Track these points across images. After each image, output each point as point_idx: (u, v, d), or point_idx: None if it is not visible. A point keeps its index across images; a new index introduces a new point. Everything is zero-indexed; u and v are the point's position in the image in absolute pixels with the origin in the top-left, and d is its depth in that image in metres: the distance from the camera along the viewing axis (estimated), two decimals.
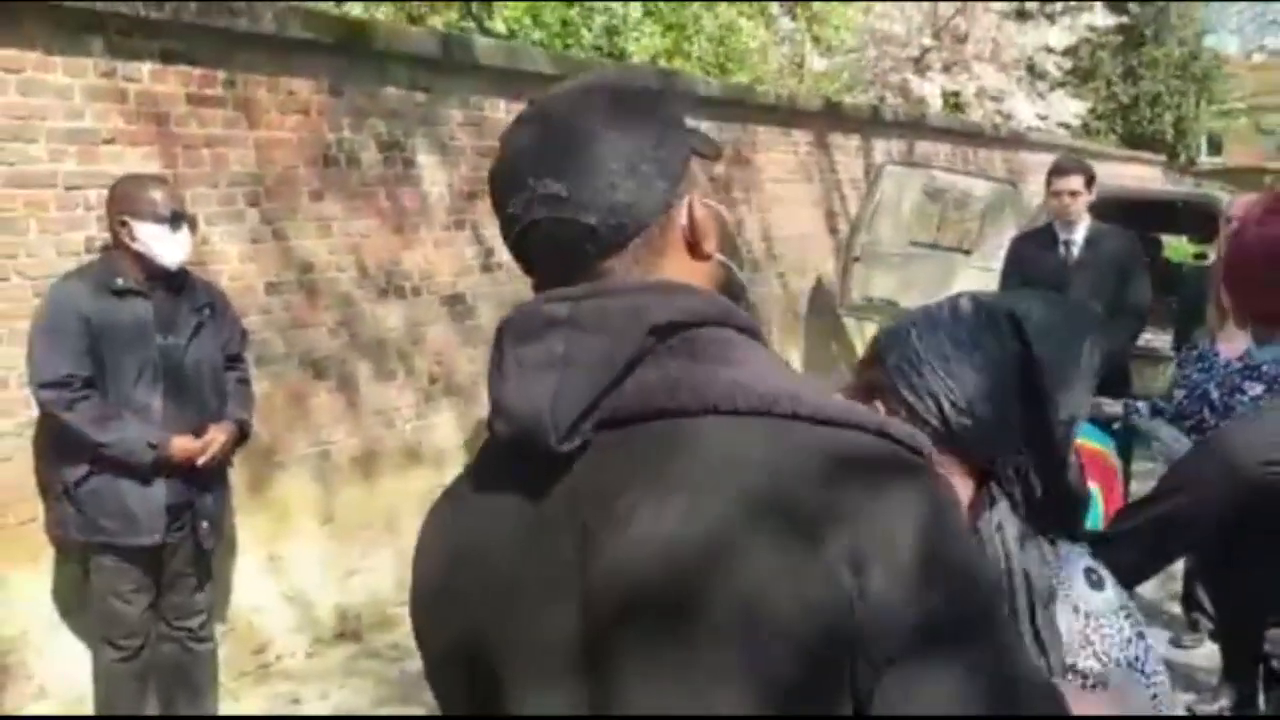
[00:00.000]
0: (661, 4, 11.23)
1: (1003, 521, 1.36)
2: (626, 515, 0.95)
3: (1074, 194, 5.21)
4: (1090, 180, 5.27)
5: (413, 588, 1.12)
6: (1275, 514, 1.75)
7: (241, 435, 3.82)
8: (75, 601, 3.91)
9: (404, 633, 5.14)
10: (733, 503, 0.92)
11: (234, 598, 4.51)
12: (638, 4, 10.73)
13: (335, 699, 4.49)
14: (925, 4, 15.79)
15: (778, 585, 0.89)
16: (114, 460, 3.48)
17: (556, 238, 1.04)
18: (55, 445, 3.58)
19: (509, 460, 1.02)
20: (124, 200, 3.54)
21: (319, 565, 4.94)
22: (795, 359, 9.07)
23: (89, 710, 3.95)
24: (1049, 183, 5.36)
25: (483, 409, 5.22)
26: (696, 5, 11.72)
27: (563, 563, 0.98)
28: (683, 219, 1.07)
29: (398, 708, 4.44)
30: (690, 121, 1.13)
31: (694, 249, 1.07)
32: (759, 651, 0.89)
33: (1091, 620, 1.38)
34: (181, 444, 3.57)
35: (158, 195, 3.54)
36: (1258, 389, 3.39)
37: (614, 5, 10.35)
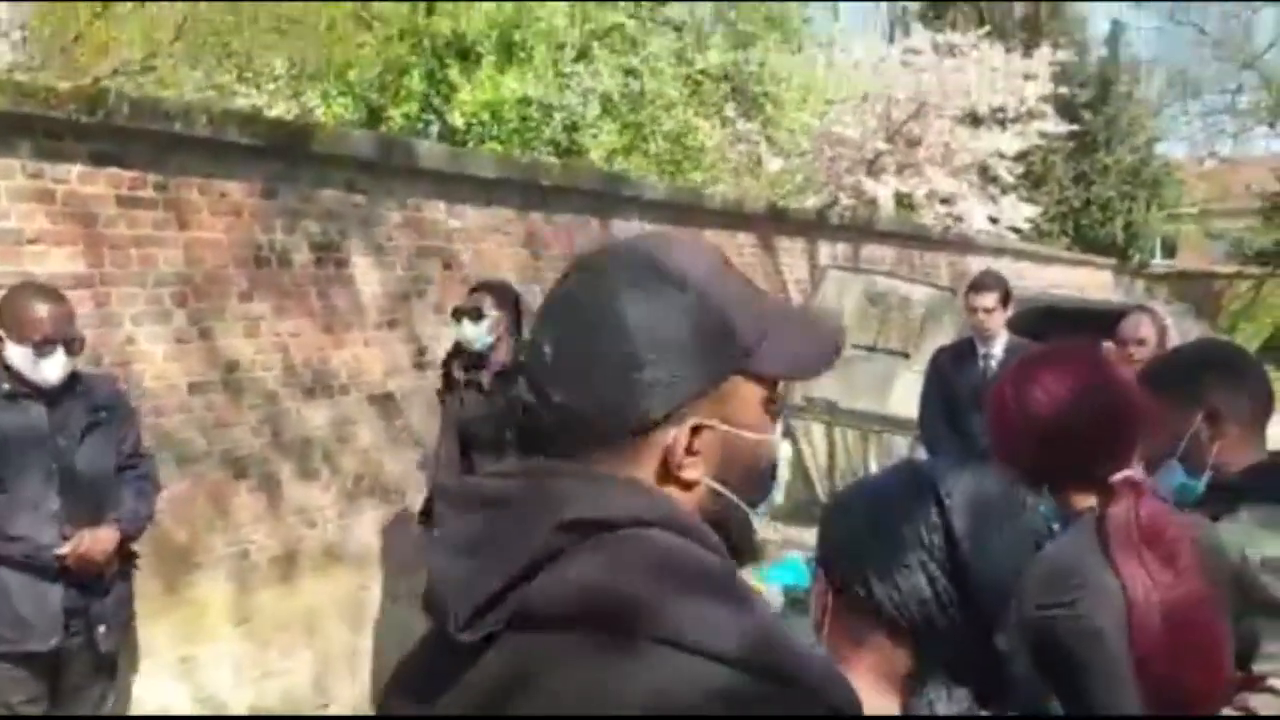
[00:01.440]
0: (620, 103, 11.46)
1: (933, 699, 1.35)
2: None
3: (988, 310, 5.35)
4: (1006, 296, 5.40)
5: None
6: (1058, 661, 1.75)
7: (128, 534, 3.74)
8: None
9: None
10: None
11: (142, 702, 4.44)
12: (596, 103, 10.94)
13: None
14: (879, 109, 16.18)
15: None
16: (13, 561, 3.44)
17: (533, 399, 0.99)
18: None
19: (436, 634, 0.98)
20: (2, 316, 3.50)
21: (233, 668, 4.87)
22: None
23: None
24: (967, 298, 5.49)
25: (410, 508, 5.19)
26: (653, 106, 11.96)
27: None
28: (666, 441, 0.99)
29: None
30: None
31: (670, 475, 0.99)
32: None
33: None
34: (99, 535, 3.54)
35: (36, 317, 3.48)
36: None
37: (572, 103, 10.55)
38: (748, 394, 1.02)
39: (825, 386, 8.76)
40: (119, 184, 4.44)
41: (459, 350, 4.52)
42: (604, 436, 0.98)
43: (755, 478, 1.06)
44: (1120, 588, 1.73)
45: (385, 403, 5.74)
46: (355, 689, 5.41)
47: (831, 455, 10.58)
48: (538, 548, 0.91)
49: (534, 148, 9.81)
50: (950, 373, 5.63)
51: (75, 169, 4.28)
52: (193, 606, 4.65)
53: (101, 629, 3.63)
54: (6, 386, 3.48)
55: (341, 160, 5.43)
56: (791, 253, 10.08)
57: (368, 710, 5.32)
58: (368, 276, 5.64)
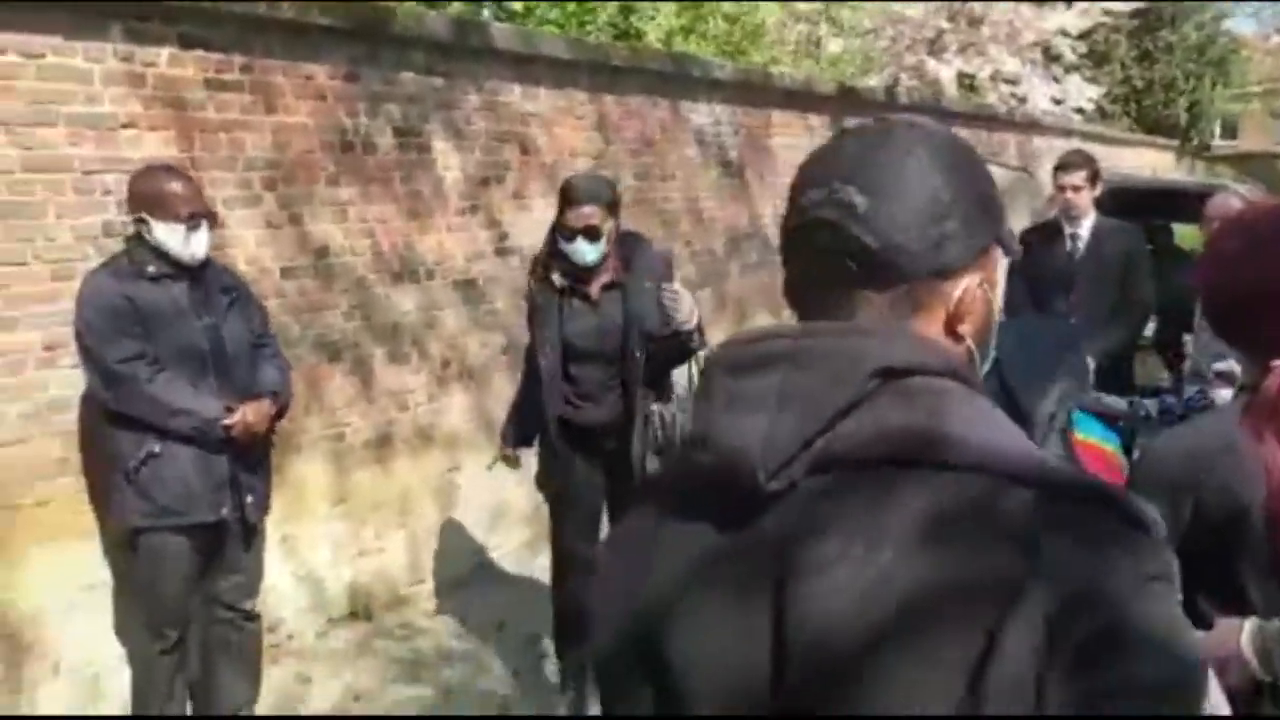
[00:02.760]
0: None
1: None
2: (826, 564, 0.93)
3: (1076, 189, 5.26)
4: (1095, 176, 5.30)
5: (598, 607, 1.11)
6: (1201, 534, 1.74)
7: (281, 409, 3.85)
8: (97, 582, 3.98)
9: (415, 613, 5.20)
10: (935, 562, 0.90)
11: None
12: None
13: (345, 678, 4.55)
14: None
15: (971, 646, 0.87)
16: (183, 435, 3.52)
17: (831, 246, 1.03)
18: (112, 429, 3.58)
19: (707, 492, 1.00)
20: (142, 198, 3.55)
21: (331, 546, 4.99)
22: None
23: (102, 687, 4.02)
24: (1055, 177, 5.41)
25: (494, 394, 5.23)
26: None
27: (755, 602, 0.96)
28: (956, 293, 1.04)
29: (406, 687, 4.49)
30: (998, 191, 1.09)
31: (950, 325, 1.05)
32: (949, 709, 0.87)
33: None
34: (259, 407, 3.66)
35: (177, 193, 3.54)
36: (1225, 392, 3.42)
37: None
38: (999, 261, 1.10)
39: None
40: (206, 67, 4.41)
41: (558, 254, 3.95)
42: (906, 284, 1.03)
43: (989, 343, 1.11)
44: (1263, 466, 1.71)
45: (468, 288, 5.75)
46: (445, 567, 5.52)
47: None
48: (850, 397, 0.95)
49: (590, 31, 9.62)
50: (1036, 253, 5.52)
51: (164, 52, 4.25)
52: (293, 487, 4.74)
53: (250, 500, 3.72)
54: (152, 269, 3.51)
55: (420, 41, 5.36)
56: None
57: (453, 587, 5.44)
58: (448, 161, 5.61)
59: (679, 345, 3.80)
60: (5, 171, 3.75)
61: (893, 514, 0.92)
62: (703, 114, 7.70)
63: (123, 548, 3.77)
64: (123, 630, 4.05)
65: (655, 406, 3.96)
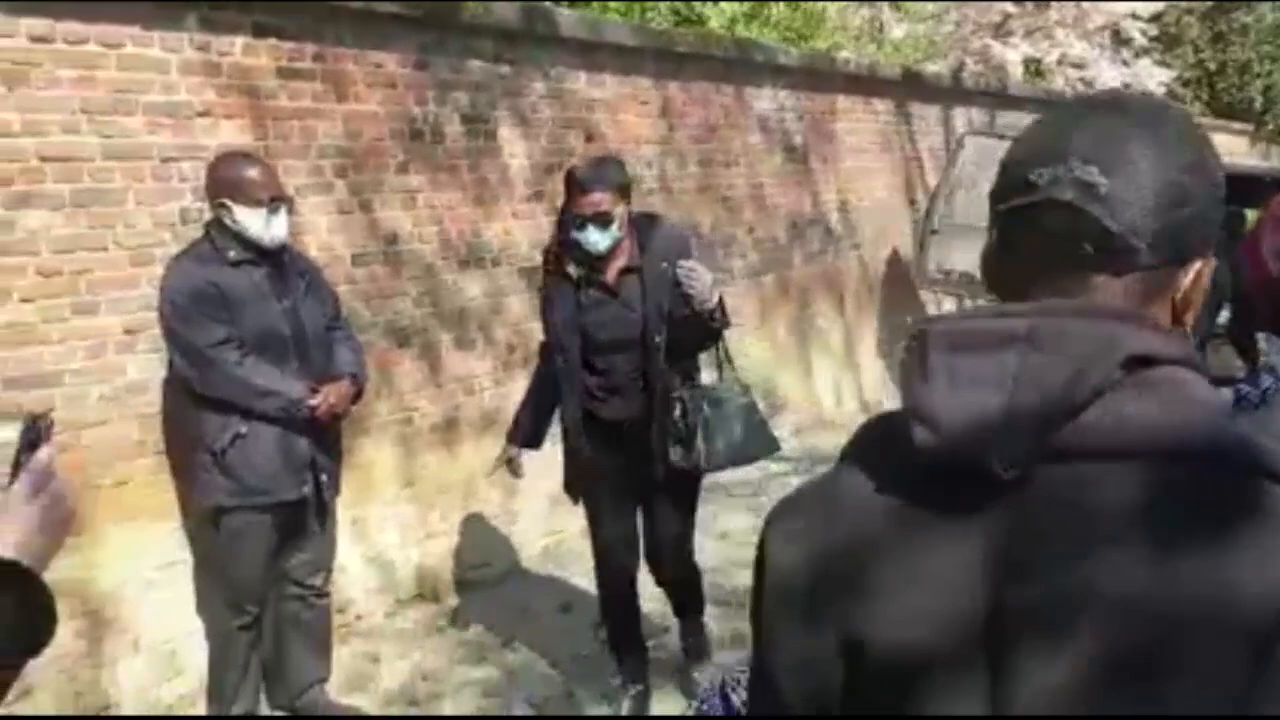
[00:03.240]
0: None
1: None
2: (1068, 563, 0.89)
3: None
4: None
5: (772, 580, 1.05)
6: None
7: (358, 390, 3.93)
8: (174, 560, 4.08)
9: (480, 595, 5.26)
10: (1199, 566, 0.85)
11: None
12: None
13: (414, 658, 4.62)
14: None
15: (1241, 660, 0.83)
16: (269, 416, 3.61)
17: (1067, 227, 0.98)
18: (199, 411, 3.67)
19: (921, 471, 0.96)
20: (222, 183, 3.63)
21: (399, 528, 5.07)
22: (869, 333, 9.04)
23: (178, 663, 4.12)
24: None
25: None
26: None
27: (969, 591, 0.92)
28: (1187, 279, 1.01)
29: (472, 668, 4.55)
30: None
31: (1177, 314, 1.02)
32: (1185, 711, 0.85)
33: None
34: (340, 388, 3.76)
35: (256, 178, 3.62)
36: None
37: None
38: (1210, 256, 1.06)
39: (963, 259, 8.58)
40: (279, 55, 4.48)
41: (570, 244, 3.75)
42: (1142, 270, 0.98)
43: (1197, 334, 1.09)
44: None
45: (533, 275, 5.78)
46: (510, 550, 5.58)
47: None
48: (1095, 384, 0.91)
49: (653, 17, 9.62)
50: None
51: (239, 41, 4.32)
52: (362, 470, 4.81)
53: (324, 479, 3.81)
54: (233, 254, 3.59)
55: (488, 30, 5.40)
56: (925, 119, 9.80)
57: (518, 570, 5.49)
58: (514, 149, 5.65)
59: (703, 326, 3.66)
60: (86, 159, 3.84)
61: (1142, 512, 0.87)
62: (766, 100, 7.67)
63: (206, 526, 3.87)
64: (202, 606, 4.14)
65: (679, 393, 3.77)
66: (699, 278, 3.56)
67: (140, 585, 4.02)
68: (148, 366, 3.99)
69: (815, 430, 8.13)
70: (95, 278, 3.87)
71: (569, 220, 3.76)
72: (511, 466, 4.16)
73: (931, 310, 9.87)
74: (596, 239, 3.67)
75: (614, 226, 3.67)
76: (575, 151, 6.02)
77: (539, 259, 5.77)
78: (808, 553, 1.02)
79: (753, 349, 7.51)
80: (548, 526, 5.81)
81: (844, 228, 8.59)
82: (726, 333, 3.88)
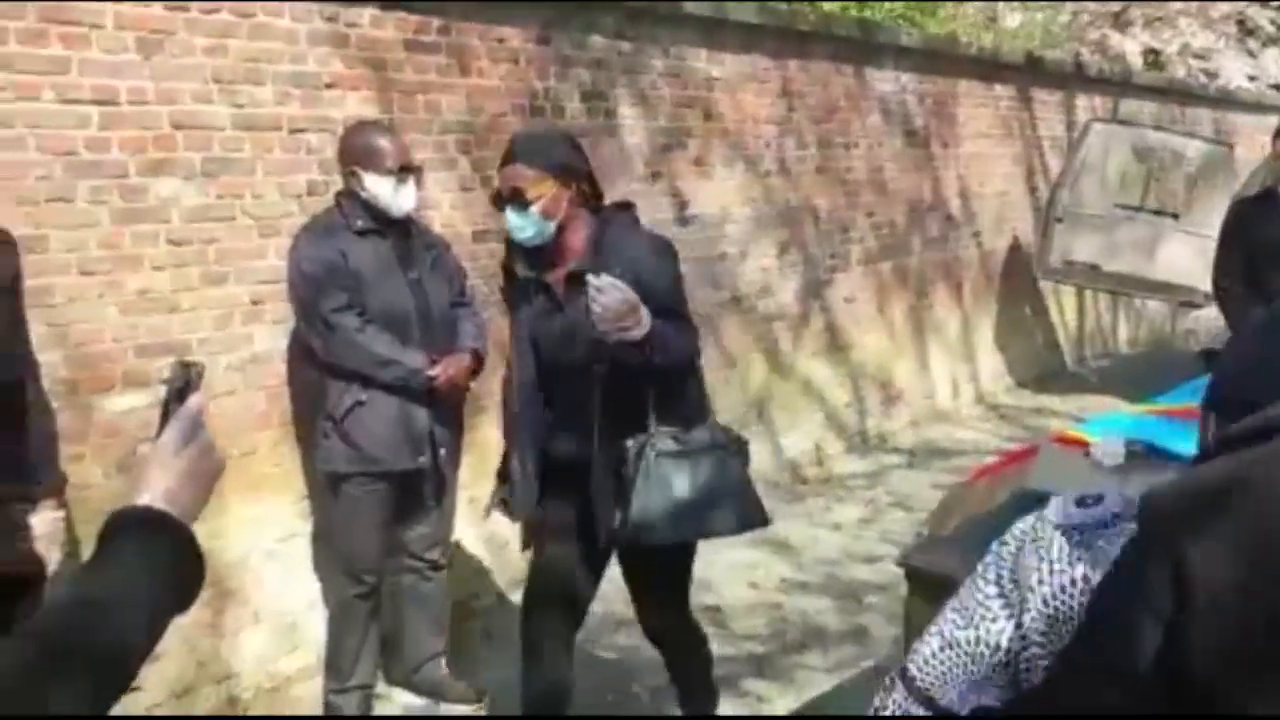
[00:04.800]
0: None
1: None
2: None
3: None
4: None
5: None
6: None
7: (477, 364, 3.88)
8: (295, 532, 4.08)
9: None
10: None
11: None
12: None
13: None
14: None
15: None
16: (388, 385, 3.59)
17: None
18: (322, 378, 3.68)
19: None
20: (353, 151, 3.62)
21: None
22: (987, 324, 8.79)
23: (298, 635, 4.12)
24: (1275, 144, 5.09)
25: None
26: None
27: None
28: None
29: (586, 648, 4.46)
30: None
31: None
32: None
33: None
34: (460, 360, 3.71)
35: (386, 146, 3.61)
36: None
37: None
38: None
39: (1087, 249, 8.32)
40: (405, 28, 4.45)
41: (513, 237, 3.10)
42: None
43: None
44: None
45: None
46: None
47: (1081, 321, 10.12)
48: None
49: None
50: (1253, 224, 5.18)
51: (367, 12, 4.29)
52: (479, 449, 4.75)
53: (443, 452, 3.77)
54: (361, 223, 3.57)
55: (611, 5, 5.32)
56: (1047, 106, 9.49)
57: None
58: (633, 127, 5.56)
59: (640, 361, 2.83)
60: (217, 128, 3.84)
61: None
62: (888, 81, 7.49)
63: (325, 494, 3.86)
64: (321, 576, 4.13)
65: (629, 442, 2.96)
66: (606, 296, 2.72)
67: (262, 556, 4.02)
68: (273, 337, 3.98)
69: (930, 423, 7.94)
70: (223, 247, 3.87)
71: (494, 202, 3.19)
72: (506, 508, 3.35)
73: (1050, 302, 9.58)
74: (515, 224, 3.00)
75: (534, 211, 2.96)
76: (693, 131, 5.92)
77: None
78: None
79: (868, 338, 7.34)
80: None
81: (963, 215, 8.35)
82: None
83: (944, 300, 8.20)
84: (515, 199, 2.98)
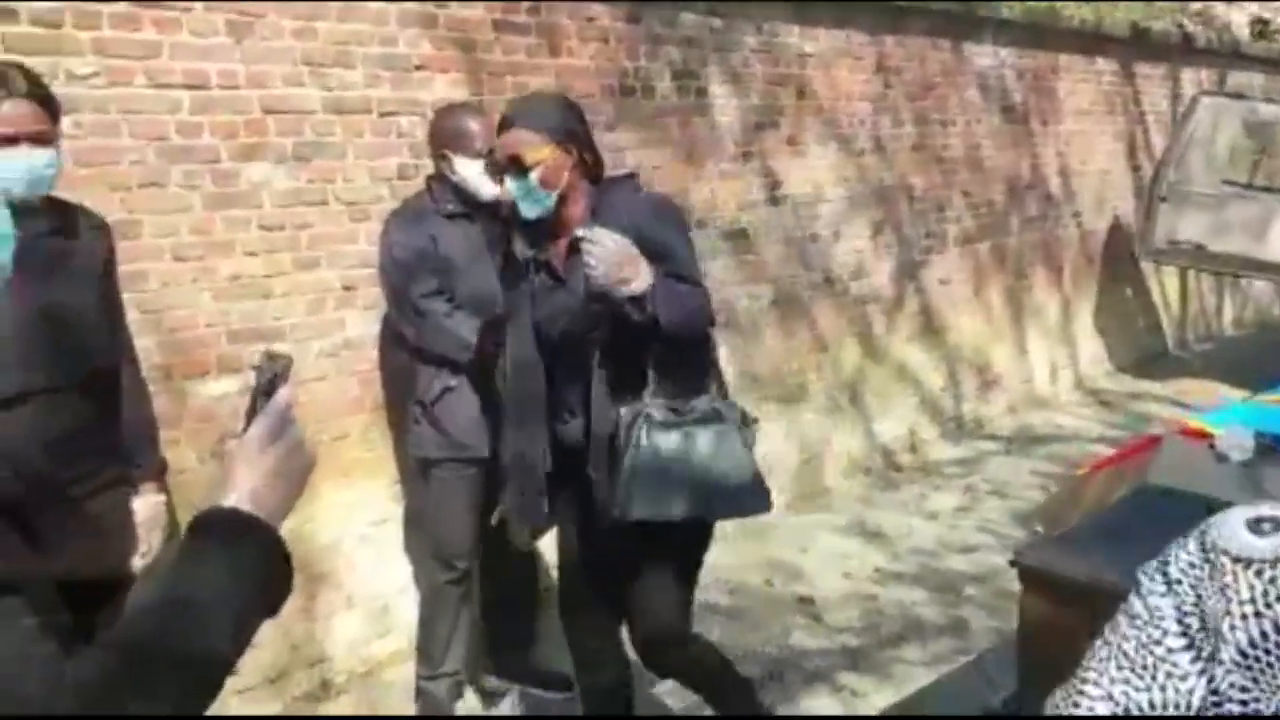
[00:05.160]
0: None
1: None
2: None
3: None
4: None
5: None
6: None
7: None
8: (387, 516, 4.07)
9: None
10: None
11: None
12: None
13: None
14: None
15: None
16: (472, 370, 3.53)
17: None
18: (412, 363, 3.65)
19: None
20: (443, 134, 3.57)
21: None
22: (1087, 307, 8.52)
23: (390, 619, 4.11)
24: None
25: (762, 349, 5.02)
26: None
27: None
28: None
29: None
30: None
31: None
32: None
33: None
34: None
35: (476, 129, 3.54)
36: None
37: None
38: None
39: (1194, 228, 8.00)
40: (494, 8, 4.39)
41: (515, 212, 2.89)
42: None
43: None
44: None
45: (738, 238, 5.59)
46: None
47: (1184, 303, 9.78)
48: None
49: None
50: None
51: None
52: None
53: None
54: (451, 206, 3.53)
55: None
56: (1151, 80, 9.16)
57: (717, 542, 5.32)
58: (724, 106, 5.45)
59: (644, 320, 2.60)
60: (308, 112, 3.82)
61: None
62: (986, 56, 7.26)
63: (416, 479, 3.83)
64: (413, 561, 4.12)
65: (623, 411, 2.76)
66: (599, 246, 2.55)
67: (354, 541, 4.02)
68: (365, 323, 3.96)
69: (1028, 408, 7.72)
70: (315, 232, 3.86)
71: (489, 172, 3.01)
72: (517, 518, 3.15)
73: (1152, 284, 9.27)
74: (516, 193, 2.79)
75: (533, 179, 2.74)
76: (786, 109, 5.79)
77: (744, 221, 5.62)
78: None
79: (964, 321, 7.15)
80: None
81: (1063, 194, 8.09)
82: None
83: (1042, 282, 7.96)
84: (513, 166, 2.76)
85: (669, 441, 2.72)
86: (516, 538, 3.27)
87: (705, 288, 2.85)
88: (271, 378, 1.29)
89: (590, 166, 2.86)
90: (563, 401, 2.90)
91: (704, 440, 2.76)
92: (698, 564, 3.04)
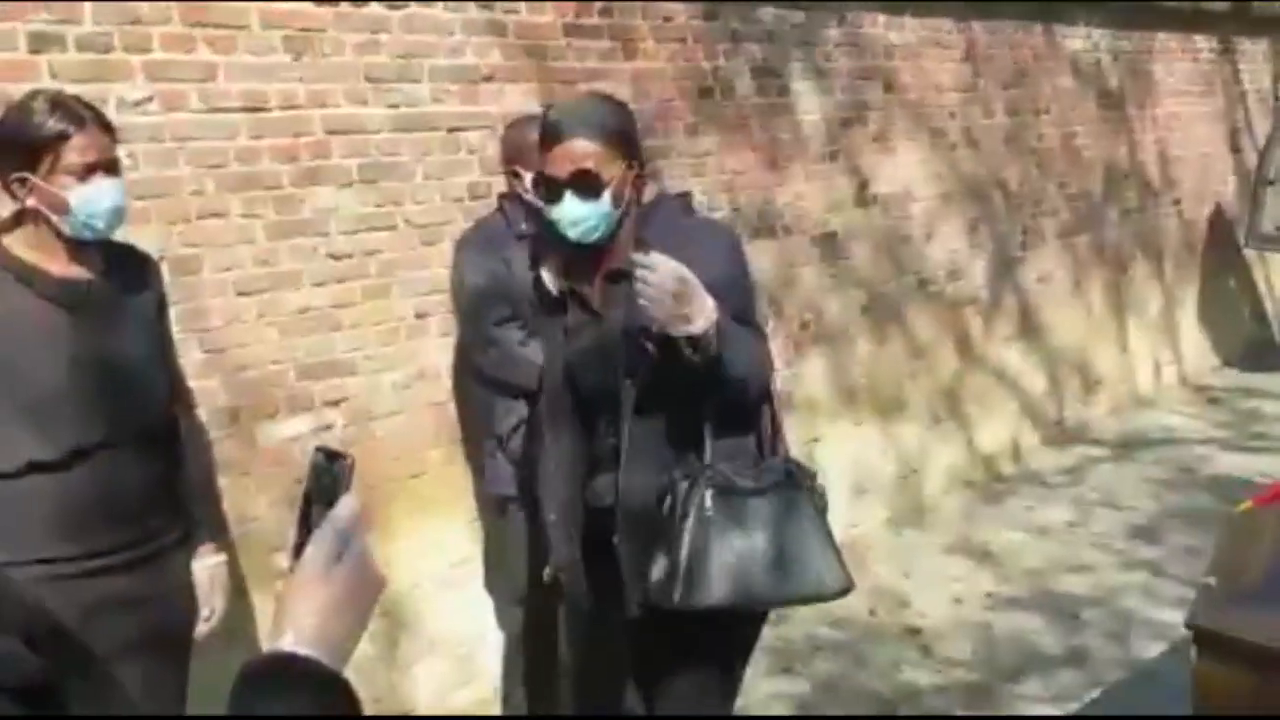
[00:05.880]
0: None
1: None
2: None
3: None
4: None
5: None
6: None
7: None
8: (467, 557, 3.85)
9: None
10: None
11: None
12: None
13: None
14: None
15: None
16: None
17: None
18: (487, 395, 3.43)
19: None
20: (514, 148, 3.34)
21: None
22: (1189, 298, 8.08)
23: (474, 666, 3.88)
24: None
25: (856, 359, 4.71)
26: None
27: None
28: None
29: (780, 680, 4.11)
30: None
31: None
32: None
33: None
34: None
35: None
36: None
37: None
38: None
39: None
40: (565, 12, 4.14)
41: (543, 235, 2.55)
42: None
43: None
44: None
45: (827, 242, 5.29)
46: None
47: None
48: None
49: None
50: None
51: None
52: None
53: None
54: (524, 226, 3.28)
55: None
56: (1253, 58, 8.68)
57: None
58: (808, 104, 5.16)
59: (702, 365, 2.19)
60: (373, 131, 3.60)
61: None
62: (1080, 40, 6.88)
63: (494, 518, 3.60)
64: (496, 604, 3.89)
65: (677, 473, 2.33)
66: (657, 274, 2.13)
67: (435, 583, 3.79)
68: (439, 351, 3.74)
69: (1133, 410, 7.32)
70: (385, 259, 3.63)
71: (541, 190, 2.47)
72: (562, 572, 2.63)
73: (1258, 273, 8.79)
74: (581, 215, 2.33)
75: (605, 198, 2.32)
76: (873, 104, 5.48)
77: (833, 224, 5.31)
78: None
79: (1064, 320, 6.77)
80: (845, 518, 5.33)
81: (1162, 181, 7.67)
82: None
83: (1144, 275, 7.55)
84: (582, 184, 2.30)
85: (738, 512, 2.31)
86: (571, 594, 2.66)
87: (765, 335, 2.49)
88: (330, 482, 1.04)
89: (641, 181, 2.45)
90: (592, 456, 2.49)
91: (777, 509, 2.34)
92: (746, 656, 2.57)
